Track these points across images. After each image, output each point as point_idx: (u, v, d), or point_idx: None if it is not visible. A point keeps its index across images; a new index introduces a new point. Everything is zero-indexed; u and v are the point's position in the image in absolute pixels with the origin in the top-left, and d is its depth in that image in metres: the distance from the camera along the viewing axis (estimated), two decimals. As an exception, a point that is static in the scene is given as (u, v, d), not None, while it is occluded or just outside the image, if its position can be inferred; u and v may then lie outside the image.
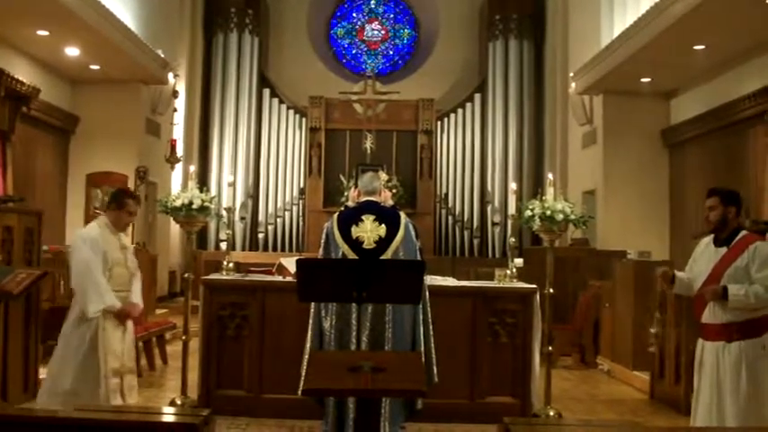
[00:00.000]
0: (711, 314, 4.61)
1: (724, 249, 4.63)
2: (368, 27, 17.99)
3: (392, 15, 18.04)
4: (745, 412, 4.40)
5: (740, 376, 4.44)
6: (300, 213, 15.89)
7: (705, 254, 4.76)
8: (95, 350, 5.30)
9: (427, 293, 5.34)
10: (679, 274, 4.94)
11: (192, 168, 8.10)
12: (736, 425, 4.37)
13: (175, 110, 13.68)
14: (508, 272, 6.70)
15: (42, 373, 6.92)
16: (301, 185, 16.02)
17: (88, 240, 5.42)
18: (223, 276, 6.67)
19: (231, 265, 6.84)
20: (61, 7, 8.81)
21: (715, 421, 4.48)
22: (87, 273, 5.31)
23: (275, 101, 16.32)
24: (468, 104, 16.38)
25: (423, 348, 5.16)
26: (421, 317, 5.22)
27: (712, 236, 4.75)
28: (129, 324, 5.60)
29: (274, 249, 15.61)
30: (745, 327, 4.49)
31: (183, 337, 6.75)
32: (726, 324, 4.53)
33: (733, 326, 4.50)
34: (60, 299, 8.17)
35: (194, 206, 6.56)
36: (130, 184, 12.27)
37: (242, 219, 15.64)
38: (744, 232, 4.66)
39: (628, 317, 8.35)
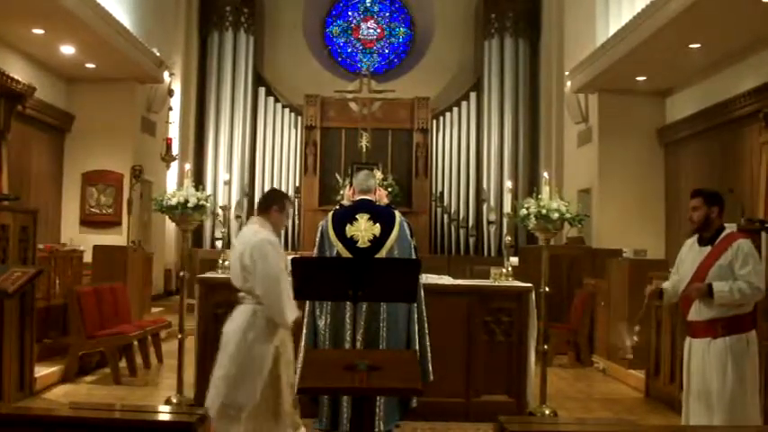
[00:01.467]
0: (697, 312, 4.66)
1: (708, 248, 4.68)
2: (363, 25, 17.98)
3: (387, 14, 18.02)
4: (731, 407, 4.45)
5: (726, 372, 4.49)
6: (296, 212, 15.86)
7: (690, 254, 4.82)
8: (276, 363, 4.91)
9: (422, 292, 5.34)
10: (665, 285, 4.98)
11: (188, 167, 8.05)
12: (723, 420, 4.42)
13: (171, 108, 13.65)
14: (504, 270, 6.71)
15: (38, 371, 6.92)
16: (297, 184, 16.01)
17: (274, 245, 4.95)
18: (219, 275, 6.65)
19: (227, 263, 6.83)
20: (57, 5, 8.79)
21: (704, 417, 4.52)
22: (283, 279, 4.83)
23: (270, 99, 16.31)
24: (464, 103, 16.38)
25: (418, 347, 5.17)
26: (416, 315, 5.22)
27: (697, 236, 4.81)
28: None
29: (270, 248, 15.57)
30: (730, 323, 4.54)
31: (179, 336, 6.74)
32: (711, 320, 4.58)
33: (718, 322, 4.55)
34: (55, 297, 8.15)
35: (190, 204, 6.55)
36: (126, 183, 12.26)
37: (237, 217, 15.60)
38: (727, 231, 4.71)
39: (623, 315, 8.36)
